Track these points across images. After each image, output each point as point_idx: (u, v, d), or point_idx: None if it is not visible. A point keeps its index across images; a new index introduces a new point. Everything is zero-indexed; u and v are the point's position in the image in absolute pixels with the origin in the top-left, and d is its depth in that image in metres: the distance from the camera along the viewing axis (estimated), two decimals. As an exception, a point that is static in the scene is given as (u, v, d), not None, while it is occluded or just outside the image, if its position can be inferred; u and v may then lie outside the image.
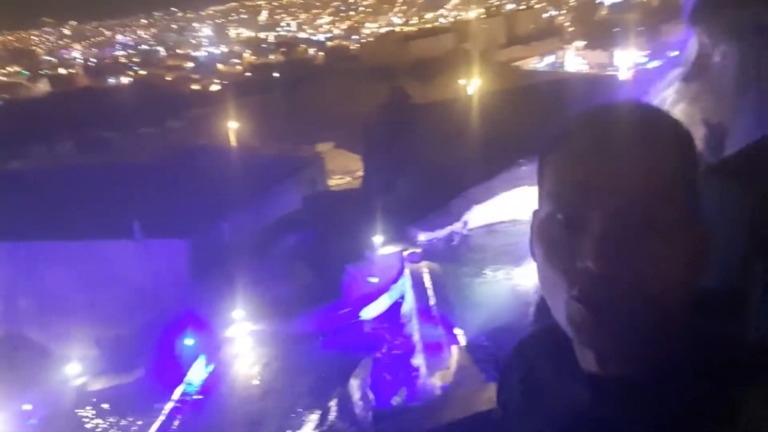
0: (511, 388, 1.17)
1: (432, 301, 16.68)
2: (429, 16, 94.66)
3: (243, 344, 20.40)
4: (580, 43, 67.15)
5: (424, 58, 60.24)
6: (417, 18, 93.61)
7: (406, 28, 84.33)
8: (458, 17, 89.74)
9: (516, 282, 16.98)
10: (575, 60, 65.91)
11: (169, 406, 18.11)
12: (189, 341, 20.14)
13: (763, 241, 1.76)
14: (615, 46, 60.46)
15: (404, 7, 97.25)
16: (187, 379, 19.00)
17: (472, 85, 45.83)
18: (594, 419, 0.94)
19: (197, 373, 19.35)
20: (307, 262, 22.87)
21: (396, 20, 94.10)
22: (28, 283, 26.04)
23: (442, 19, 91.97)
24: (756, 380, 0.85)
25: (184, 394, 18.60)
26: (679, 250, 0.86)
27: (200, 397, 18.63)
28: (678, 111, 13.51)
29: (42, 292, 25.57)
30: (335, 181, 39.27)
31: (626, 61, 56.13)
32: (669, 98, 14.13)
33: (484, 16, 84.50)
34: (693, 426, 0.85)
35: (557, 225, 0.90)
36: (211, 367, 19.70)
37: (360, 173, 35.52)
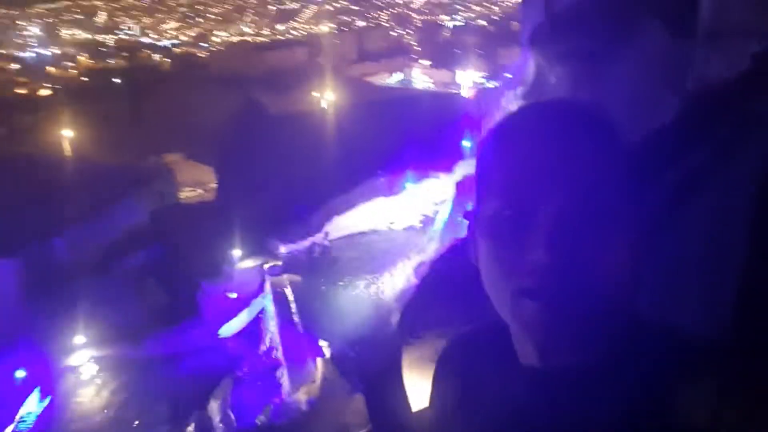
0: (449, 385, 1.16)
1: (295, 315, 16.44)
2: (281, 27, 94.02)
3: (86, 372, 18.59)
4: (426, 62, 70.59)
5: (277, 69, 59.61)
6: (268, 29, 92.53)
7: (258, 39, 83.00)
8: (310, 30, 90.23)
9: (377, 290, 17.30)
10: (422, 78, 69.21)
11: (-3, 450, 15.99)
12: (20, 373, 17.92)
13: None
14: (457, 66, 64.48)
15: (256, 18, 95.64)
16: (19, 415, 16.88)
17: (326, 98, 46.22)
18: (533, 412, 0.95)
19: (31, 407, 17.28)
20: (158, 280, 21.49)
21: (247, 30, 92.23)
22: None
23: (293, 32, 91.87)
24: (694, 376, 0.87)
25: (16, 430, 16.50)
26: (623, 239, 0.89)
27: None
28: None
29: None
30: (186, 194, 37.39)
31: (467, 80, 60.11)
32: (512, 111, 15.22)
33: (336, 31, 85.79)
34: (629, 418, 0.87)
35: (504, 221, 0.91)
36: (47, 401, 17.69)
37: (213, 185, 34.17)
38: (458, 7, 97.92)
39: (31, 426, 16.85)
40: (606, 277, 0.88)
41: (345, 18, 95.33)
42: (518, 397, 0.98)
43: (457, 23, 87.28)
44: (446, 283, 9.28)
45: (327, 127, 28.26)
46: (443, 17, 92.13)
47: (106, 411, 17.13)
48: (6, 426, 16.48)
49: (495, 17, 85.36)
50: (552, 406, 0.93)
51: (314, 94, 48.13)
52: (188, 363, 17.77)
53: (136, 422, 16.09)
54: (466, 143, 20.17)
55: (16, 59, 71.46)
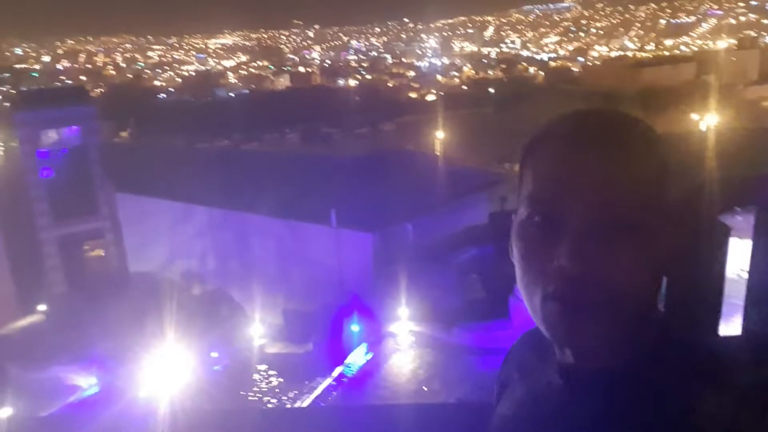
0: (507, 375, 1.24)
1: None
2: (669, 42, 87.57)
3: (403, 342, 21.11)
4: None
5: (655, 87, 56.04)
6: (654, 44, 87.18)
7: (640, 54, 79.10)
8: (704, 46, 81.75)
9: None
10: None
11: (326, 382, 19.49)
12: (355, 327, 21.43)
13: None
14: None
15: (641, 32, 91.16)
16: (347, 361, 20.25)
17: (707, 120, 41.60)
18: (567, 404, 0.98)
19: (357, 358, 20.52)
20: (480, 276, 22.86)
21: (630, 44, 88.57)
22: (240, 250, 29.78)
23: (683, 47, 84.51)
24: (716, 385, 0.88)
25: (341, 374, 19.86)
26: (649, 252, 0.90)
27: (357, 380, 19.73)
28: None
29: (249, 260, 29.07)
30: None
31: None
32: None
33: (735, 48, 75.86)
34: (653, 422, 0.88)
35: (535, 226, 0.93)
36: (369, 356, 20.74)
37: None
38: None
39: (353, 373, 20.05)
40: (631, 288, 0.90)
41: (750, 33, 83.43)
42: (555, 392, 1.02)
43: None
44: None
45: (701, 150, 25.61)
46: None
47: (411, 380, 19.20)
48: (335, 367, 19.98)
49: None
50: (584, 403, 0.96)
51: (693, 115, 43.82)
52: (488, 360, 18.56)
53: (432, 398, 17.60)
54: None
55: (413, 67, 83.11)
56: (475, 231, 27.48)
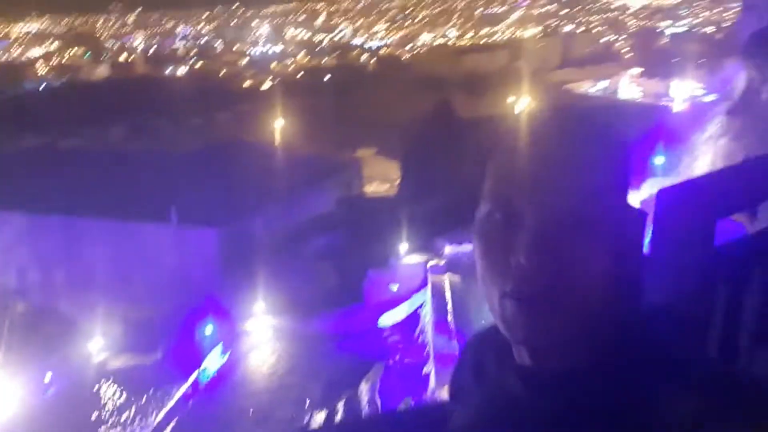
0: (461, 379, 1.20)
1: (450, 314, 16.57)
2: (485, 31, 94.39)
3: (261, 338, 20.66)
4: (637, 71, 65.89)
5: (476, 73, 60.06)
6: (472, 33, 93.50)
7: (460, 42, 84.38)
8: (514, 35, 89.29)
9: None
10: (630, 87, 64.71)
11: (182, 390, 18.46)
12: (209, 328, 20.51)
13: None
14: (672, 76, 59.21)
15: (461, 21, 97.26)
16: (203, 365, 19.34)
17: (521, 103, 45.50)
18: (528, 410, 0.96)
19: (213, 360, 19.68)
20: (333, 264, 23.04)
21: (451, 33, 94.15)
22: (68, 259, 26.98)
23: (497, 36, 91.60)
24: (679, 385, 0.87)
25: (198, 379, 18.94)
26: (607, 249, 0.89)
27: (213, 383, 18.94)
28: (720, 145, 13.22)
29: (80, 269, 26.45)
30: (372, 187, 39.39)
31: (682, 92, 54.89)
32: (713, 132, 13.83)
33: (541, 35, 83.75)
34: (613, 421, 0.87)
35: (494, 223, 0.93)
36: (226, 356, 20.01)
37: (396, 181, 35.54)
38: (682, 12, 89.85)
39: (211, 376, 19.22)
40: (588, 285, 0.89)
41: (551, 22, 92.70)
42: (515, 395, 1.00)
43: (678, 30, 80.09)
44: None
45: (516, 134, 27.85)
46: (662, 23, 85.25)
47: (271, 374, 18.89)
48: (192, 371, 19.00)
49: (726, 23, 76.71)
50: (544, 405, 0.95)
51: (509, 99, 47.69)
52: (347, 344, 18.84)
53: (296, 389, 17.50)
54: (658, 160, 18.62)
55: (246, 55, 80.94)
56: (324, 218, 27.61)
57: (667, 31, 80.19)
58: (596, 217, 0.89)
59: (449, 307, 16.90)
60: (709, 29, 75.78)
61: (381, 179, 41.19)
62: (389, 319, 19.40)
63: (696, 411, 0.84)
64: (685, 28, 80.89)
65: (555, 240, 0.88)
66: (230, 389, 18.59)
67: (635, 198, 17.66)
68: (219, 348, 20.09)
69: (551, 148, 0.91)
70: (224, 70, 71.55)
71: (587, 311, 0.90)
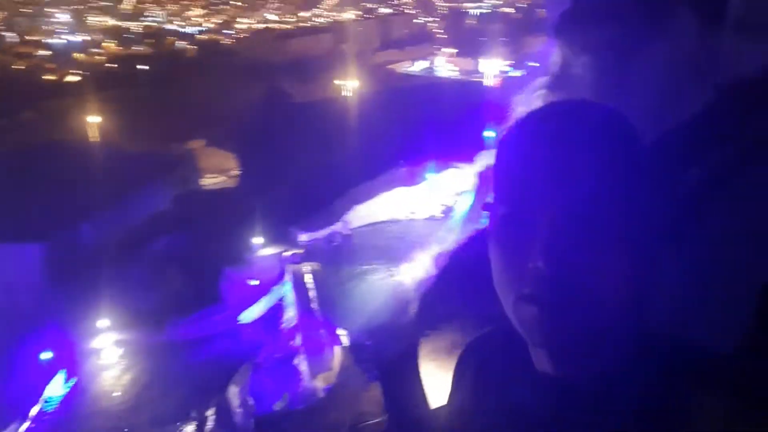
0: (465, 384, 1.16)
1: (314, 303, 16.53)
2: (305, 14, 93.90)
3: (110, 356, 18.93)
4: (451, 50, 70.01)
5: (302, 57, 59.54)
6: (293, 16, 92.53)
7: (282, 26, 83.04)
8: (335, 17, 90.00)
9: (396, 280, 17.28)
10: (446, 66, 68.68)
11: (24, 427, 16.36)
12: (46, 355, 18.33)
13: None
14: (482, 54, 63.83)
15: (281, 5, 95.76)
16: (44, 395, 17.27)
17: (349, 86, 46.16)
18: (544, 417, 0.94)
19: (56, 388, 17.66)
20: (180, 266, 21.74)
21: (271, 17, 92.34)
22: None
23: (318, 19, 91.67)
24: (707, 385, 0.86)
25: (41, 412, 16.88)
26: (626, 249, 0.87)
27: (60, 414, 17.02)
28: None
29: None
30: (209, 180, 37.69)
31: (491, 69, 59.52)
32: (536, 105, 15.05)
33: (361, 18, 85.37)
34: (638, 426, 0.86)
35: (510, 226, 0.90)
36: (72, 382, 18.07)
37: (235, 172, 34.40)
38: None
39: (56, 407, 17.24)
40: (610, 288, 0.86)
41: (369, 5, 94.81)
42: (529, 401, 0.98)
43: (483, 10, 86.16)
44: (464, 276, 9.21)
45: (349, 116, 28.20)
46: (468, 5, 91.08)
47: (128, 394, 17.45)
48: (31, 407, 16.88)
49: (521, 4, 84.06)
50: (560, 412, 0.93)
51: (337, 81, 48.12)
52: (209, 348, 17.98)
53: (158, 405, 16.34)
54: (488, 133, 19.97)
55: (45, 46, 72.40)
56: (162, 218, 25.88)
57: (473, 12, 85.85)
58: (614, 217, 0.86)
59: (312, 295, 16.84)
60: (509, 9, 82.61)
61: (216, 171, 39.53)
62: (250, 315, 18.83)
63: (728, 413, 0.83)
64: (489, 9, 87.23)
65: (573, 243, 0.85)
66: (80, 418, 16.83)
67: (471, 171, 18.91)
68: (62, 375, 18.05)
69: (563, 147, 0.88)
70: (21, 65, 63.45)
71: (608, 313, 0.88)
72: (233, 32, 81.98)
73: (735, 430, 0.82)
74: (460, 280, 9.28)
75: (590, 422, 0.90)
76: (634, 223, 0.88)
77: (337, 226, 19.55)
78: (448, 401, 1.23)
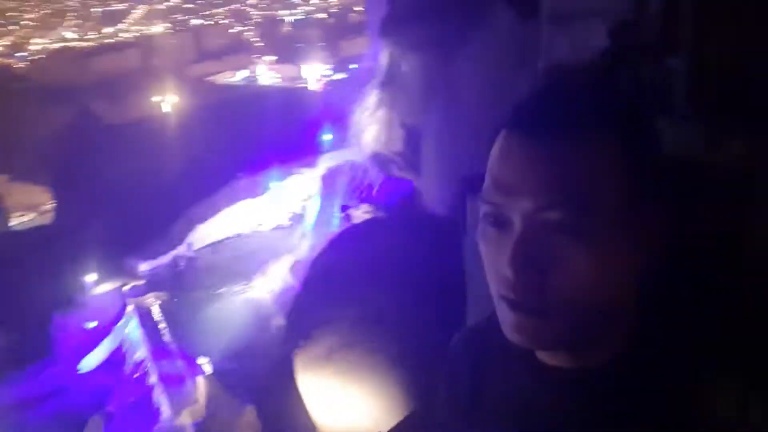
0: (459, 380, 1.12)
1: (165, 335, 15.40)
2: (109, 30, 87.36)
3: None
4: (271, 58, 69.66)
5: (109, 76, 55.33)
6: (95, 33, 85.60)
7: (83, 44, 76.40)
8: (142, 32, 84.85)
9: (252, 297, 16.70)
10: (268, 74, 68.29)
11: None
12: None
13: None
14: (301, 60, 64.47)
15: (79, 21, 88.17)
16: None
17: (168, 101, 44.02)
18: (544, 406, 0.92)
19: None
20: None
21: (70, 35, 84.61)
22: None
23: (123, 34, 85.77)
24: (718, 372, 0.85)
25: None
26: (609, 255, 0.81)
27: None
28: (379, 116, 14.86)
29: None
30: (18, 220, 33.61)
31: (313, 73, 60.32)
32: (371, 105, 15.43)
33: (171, 31, 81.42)
34: (642, 414, 0.85)
35: (489, 225, 0.87)
36: None
37: (48, 206, 31.06)
38: (296, 0, 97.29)
39: None
40: (586, 290, 0.82)
41: (179, 17, 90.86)
42: (529, 391, 0.95)
43: (298, 17, 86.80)
44: (330, 281, 9.10)
45: (174, 133, 26.76)
46: (282, 12, 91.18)
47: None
48: None
49: (334, 9, 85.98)
50: (563, 401, 0.91)
51: (155, 98, 45.48)
52: (48, 407, 15.95)
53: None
54: (326, 136, 20.08)
55: None
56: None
57: (288, 19, 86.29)
58: (591, 221, 0.80)
59: (162, 327, 15.68)
60: (322, 15, 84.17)
61: (25, 208, 35.43)
62: (92, 362, 17.05)
63: (740, 400, 0.82)
64: (303, 16, 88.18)
65: (541, 250, 0.81)
66: None
67: (314, 175, 18.87)
68: None
69: (543, 141, 0.81)
70: None
71: (592, 314, 0.83)
72: (26, 54, 73.81)
73: (746, 419, 0.81)
74: (326, 285, 9.15)
75: (591, 409, 0.87)
76: (618, 228, 0.81)
77: (180, 250, 18.42)
78: (439, 403, 1.18)
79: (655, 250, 0.85)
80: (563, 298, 0.81)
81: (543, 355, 0.93)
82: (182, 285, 17.20)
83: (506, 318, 0.86)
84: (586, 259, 0.79)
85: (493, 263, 0.87)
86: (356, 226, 10.58)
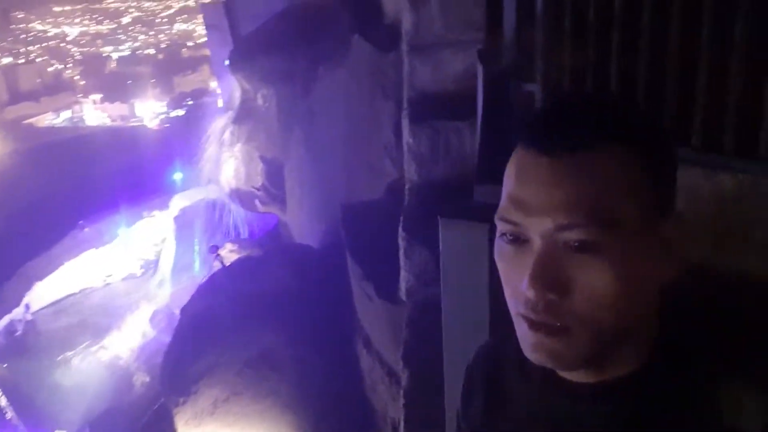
0: (477, 400, 1.12)
1: (8, 413, 13.50)
2: None
3: None
4: (97, 96, 65.24)
5: None
6: None
7: None
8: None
9: (107, 354, 15.24)
10: (95, 113, 63.76)
11: None
12: None
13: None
14: (133, 97, 61.09)
15: None
16: None
17: (-20, 149, 39.23)
18: (568, 422, 0.92)
19: None
20: None
21: None
22: None
23: None
24: (743, 373, 0.86)
25: None
26: (630, 272, 0.81)
27: None
28: (237, 151, 14.54)
29: None
30: None
31: (148, 111, 57.37)
32: (226, 140, 15.03)
33: (-25, 71, 72.98)
34: (674, 426, 0.85)
35: (506, 243, 0.87)
36: None
37: None
38: (121, 37, 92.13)
39: None
40: (608, 310, 0.81)
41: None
42: (545, 409, 0.95)
43: (123, 53, 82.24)
44: (208, 327, 8.64)
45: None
46: (106, 48, 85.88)
47: None
48: None
49: (163, 45, 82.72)
50: (582, 418, 0.90)
51: (-40, 147, 40.29)
52: None
53: None
54: (176, 175, 19.16)
55: None
56: None
57: (114, 56, 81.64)
58: (611, 239, 0.79)
59: (4, 403, 13.73)
60: (150, 51, 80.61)
61: None
62: None
63: (764, 403, 0.83)
64: (128, 52, 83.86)
65: (560, 269, 0.81)
66: None
67: (168, 216, 17.85)
68: None
69: (561, 156, 0.81)
70: None
71: (608, 334, 0.83)
72: None
73: None
74: (204, 333, 8.66)
75: (623, 425, 0.87)
76: (636, 247, 0.81)
77: (16, 313, 16.31)
78: (459, 421, 1.17)
79: (675, 263, 0.85)
80: (584, 317, 0.80)
81: (564, 372, 0.92)
82: (23, 353, 15.18)
83: (526, 337, 0.85)
84: (607, 277, 0.79)
85: (511, 282, 0.86)
86: (227, 267, 10.16)
